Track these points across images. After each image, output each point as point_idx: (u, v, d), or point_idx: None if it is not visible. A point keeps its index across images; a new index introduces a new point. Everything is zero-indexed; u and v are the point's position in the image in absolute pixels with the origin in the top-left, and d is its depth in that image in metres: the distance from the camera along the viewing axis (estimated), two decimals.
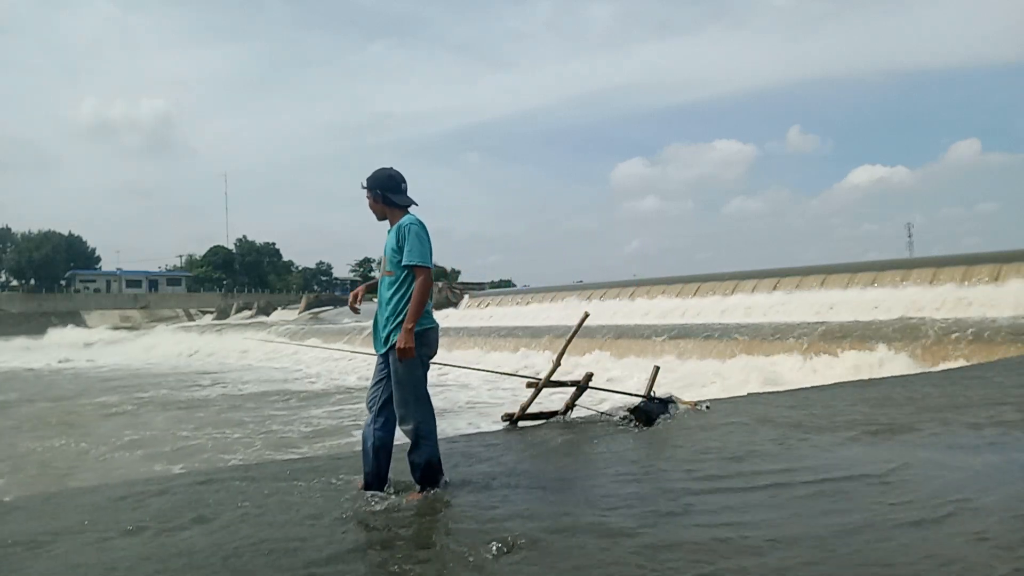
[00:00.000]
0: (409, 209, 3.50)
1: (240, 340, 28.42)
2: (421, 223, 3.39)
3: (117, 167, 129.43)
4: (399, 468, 3.56)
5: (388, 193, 3.44)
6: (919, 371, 8.64)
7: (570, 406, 5.63)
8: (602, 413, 5.63)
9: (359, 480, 3.57)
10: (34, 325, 48.20)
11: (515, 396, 9.29)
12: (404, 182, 3.49)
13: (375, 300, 3.64)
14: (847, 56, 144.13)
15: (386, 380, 3.43)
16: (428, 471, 3.41)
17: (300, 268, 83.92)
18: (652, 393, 5.65)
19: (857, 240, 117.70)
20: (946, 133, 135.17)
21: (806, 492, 3.28)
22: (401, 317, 3.30)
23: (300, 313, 43.18)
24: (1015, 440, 4.17)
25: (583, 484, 3.77)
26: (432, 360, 3.50)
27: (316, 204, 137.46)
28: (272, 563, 2.64)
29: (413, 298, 3.26)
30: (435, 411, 3.49)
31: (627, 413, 5.35)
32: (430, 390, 3.55)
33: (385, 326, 3.40)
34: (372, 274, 72.92)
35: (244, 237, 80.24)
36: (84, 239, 75.12)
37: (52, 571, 2.67)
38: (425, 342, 3.35)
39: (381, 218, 3.54)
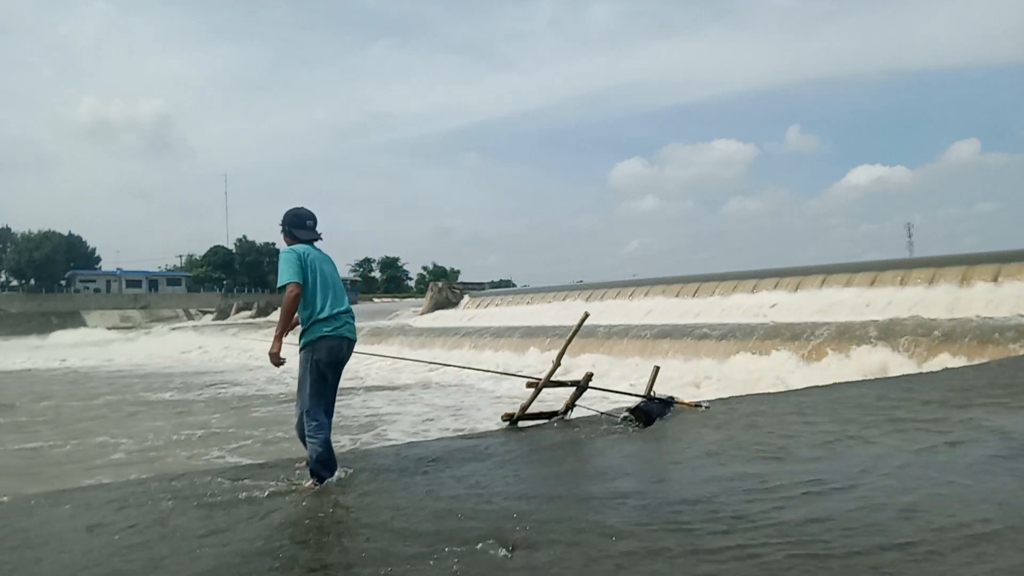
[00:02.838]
0: (315, 243, 3.99)
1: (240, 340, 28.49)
2: (290, 250, 3.84)
3: (117, 167, 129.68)
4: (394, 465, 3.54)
5: (293, 229, 3.95)
6: (918, 371, 8.64)
7: (570, 406, 5.64)
8: (602, 413, 5.63)
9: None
10: (31, 326, 48.08)
11: (515, 396, 9.30)
12: (311, 219, 4.00)
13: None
14: (847, 56, 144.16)
15: None
16: (314, 465, 3.74)
17: None
18: (652, 393, 5.65)
19: (856, 240, 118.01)
20: (945, 133, 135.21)
21: (805, 491, 3.29)
22: (299, 327, 3.86)
23: None
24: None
25: (583, 484, 3.78)
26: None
27: (316, 204, 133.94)
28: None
29: (280, 311, 3.77)
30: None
31: (627, 413, 5.35)
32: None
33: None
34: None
35: (244, 237, 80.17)
36: (84, 239, 75.18)
37: None
38: (316, 348, 3.76)
39: None
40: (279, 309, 3.83)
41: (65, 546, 3.04)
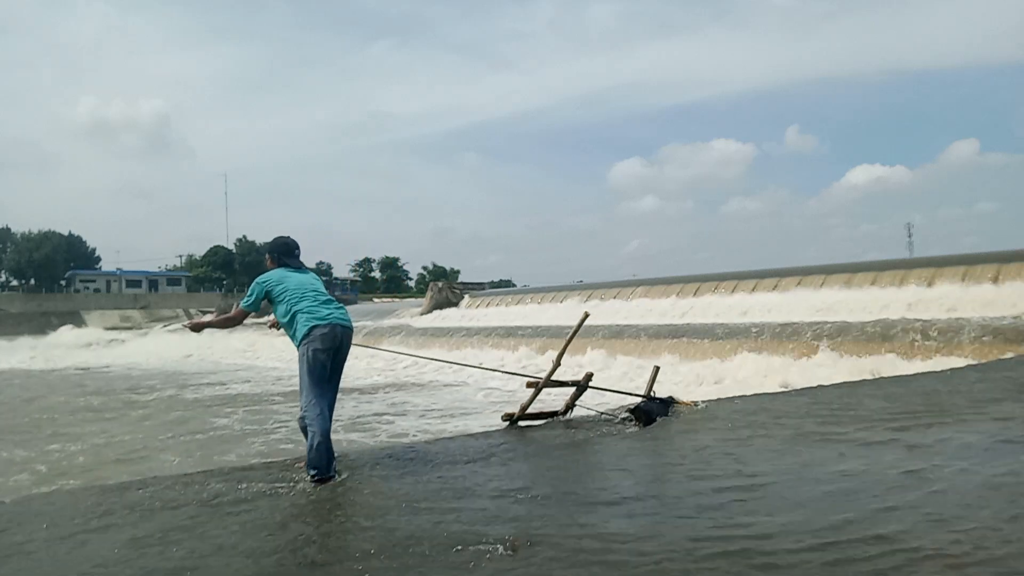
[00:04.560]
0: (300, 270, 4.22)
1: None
2: (260, 279, 4.07)
3: (117, 167, 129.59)
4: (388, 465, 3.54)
5: (282, 256, 4.19)
6: (917, 371, 8.63)
7: (570, 406, 5.64)
8: (602, 413, 5.64)
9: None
10: (31, 326, 47.77)
11: (515, 396, 9.30)
12: (297, 248, 4.25)
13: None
14: (847, 56, 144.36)
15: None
16: (313, 455, 3.79)
17: None
18: (652, 393, 5.66)
19: (856, 240, 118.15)
20: (945, 133, 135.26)
21: (804, 492, 3.29)
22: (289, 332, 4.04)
23: None
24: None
25: (583, 484, 3.78)
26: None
27: (316, 204, 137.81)
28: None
29: (224, 315, 4.26)
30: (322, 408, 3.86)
31: (627, 413, 5.36)
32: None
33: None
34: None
35: (244, 237, 79.96)
36: (84, 239, 75.14)
37: None
38: (310, 339, 3.87)
39: None
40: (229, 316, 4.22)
41: (61, 554, 3.04)
